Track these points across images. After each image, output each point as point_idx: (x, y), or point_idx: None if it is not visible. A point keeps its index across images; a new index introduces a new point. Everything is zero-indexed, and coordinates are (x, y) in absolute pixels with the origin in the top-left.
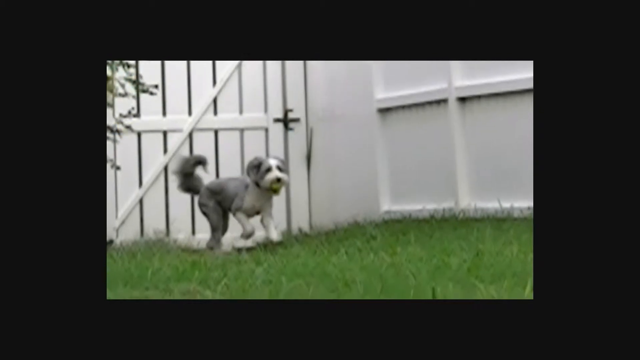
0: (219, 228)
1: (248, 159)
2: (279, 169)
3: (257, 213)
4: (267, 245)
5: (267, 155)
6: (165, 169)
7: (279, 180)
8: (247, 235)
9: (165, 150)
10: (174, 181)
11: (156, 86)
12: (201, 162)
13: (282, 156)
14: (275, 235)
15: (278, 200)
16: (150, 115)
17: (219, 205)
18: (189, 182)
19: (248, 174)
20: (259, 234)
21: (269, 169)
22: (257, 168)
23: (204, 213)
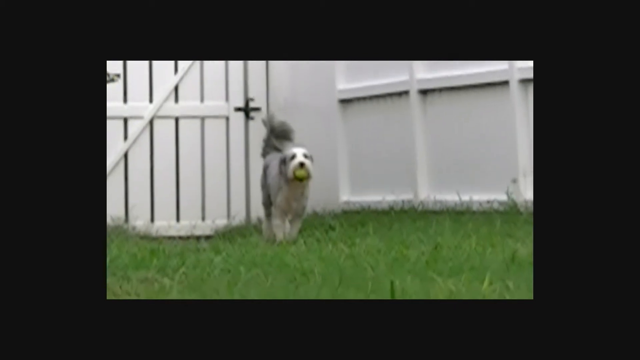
0: (267, 206)
1: (208, 147)
2: (305, 156)
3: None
4: (226, 234)
5: (228, 144)
6: (125, 155)
7: (302, 165)
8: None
9: (125, 137)
10: None
11: (118, 75)
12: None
13: (242, 144)
14: (294, 233)
15: (237, 189)
16: (111, 102)
17: (268, 195)
18: (269, 144)
19: (280, 171)
20: (221, 222)
21: (293, 157)
22: (284, 161)
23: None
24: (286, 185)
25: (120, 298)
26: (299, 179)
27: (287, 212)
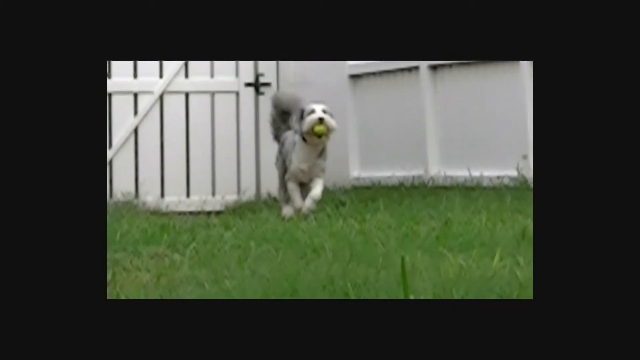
0: (281, 186)
1: (219, 122)
2: (324, 112)
3: (309, 180)
4: (236, 210)
5: (238, 119)
6: (135, 130)
7: (321, 120)
8: (296, 210)
9: (135, 112)
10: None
11: None
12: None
13: (252, 120)
14: (309, 203)
15: (247, 165)
16: (121, 77)
17: (283, 164)
18: (278, 125)
19: (295, 126)
20: (231, 197)
21: (311, 112)
22: (301, 116)
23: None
24: (302, 142)
25: (131, 274)
26: (318, 136)
27: (300, 177)
